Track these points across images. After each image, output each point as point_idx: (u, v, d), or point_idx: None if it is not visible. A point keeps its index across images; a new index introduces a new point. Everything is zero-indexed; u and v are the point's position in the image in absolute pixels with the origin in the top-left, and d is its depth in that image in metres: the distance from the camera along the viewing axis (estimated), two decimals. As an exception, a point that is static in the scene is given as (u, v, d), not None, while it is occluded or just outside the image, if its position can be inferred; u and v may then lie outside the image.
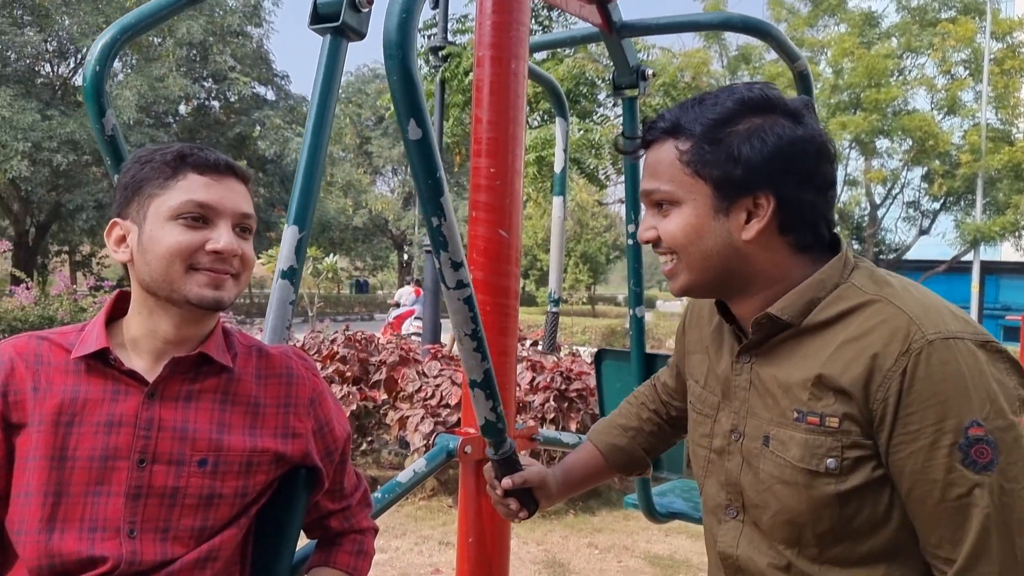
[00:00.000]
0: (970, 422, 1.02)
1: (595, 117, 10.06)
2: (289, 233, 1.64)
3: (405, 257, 43.43)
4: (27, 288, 13.56)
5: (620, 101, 2.56)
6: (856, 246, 18.98)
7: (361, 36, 1.69)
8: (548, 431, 2.60)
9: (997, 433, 1.02)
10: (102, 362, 1.28)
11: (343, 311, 31.54)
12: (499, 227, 1.97)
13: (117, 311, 1.36)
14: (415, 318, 15.74)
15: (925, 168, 17.74)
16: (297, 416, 1.39)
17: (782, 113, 1.14)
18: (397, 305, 17.13)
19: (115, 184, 1.37)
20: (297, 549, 1.48)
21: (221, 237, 1.26)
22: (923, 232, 18.95)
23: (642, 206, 1.30)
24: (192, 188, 1.26)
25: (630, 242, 2.51)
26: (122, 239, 1.31)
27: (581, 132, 9.21)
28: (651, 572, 4.78)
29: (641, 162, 1.25)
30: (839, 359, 1.10)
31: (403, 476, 1.92)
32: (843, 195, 18.67)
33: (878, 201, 18.84)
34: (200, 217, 1.26)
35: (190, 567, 1.26)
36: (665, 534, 5.47)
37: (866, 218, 19.01)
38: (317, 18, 1.66)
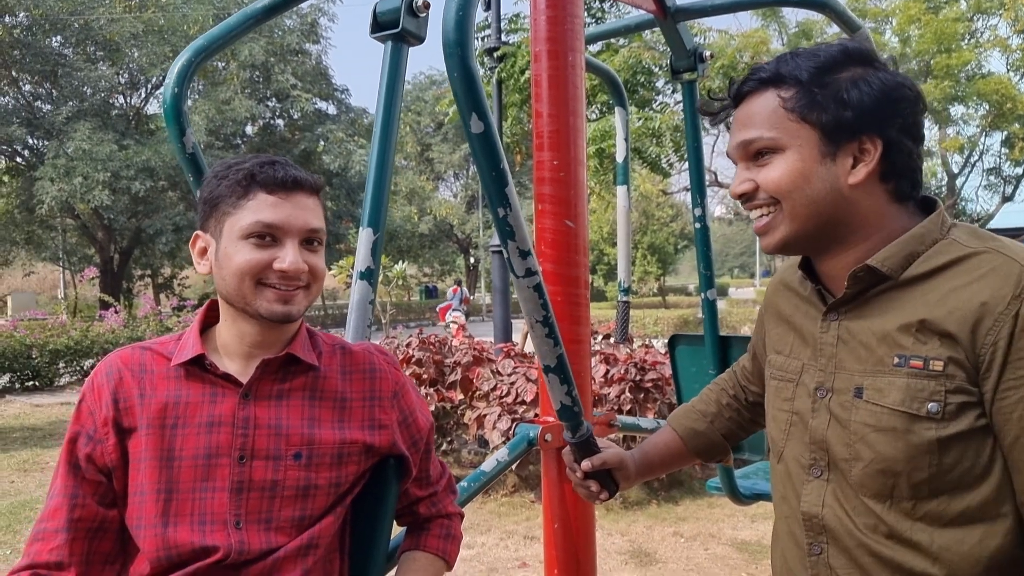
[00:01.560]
0: None
1: (654, 105, 9.99)
2: (364, 236, 1.70)
3: (471, 260, 43.78)
4: (116, 312, 14.19)
5: (679, 87, 2.56)
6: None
7: (420, 40, 1.74)
8: (626, 417, 2.61)
9: None
10: (199, 367, 1.37)
11: (414, 317, 31.96)
12: (565, 218, 2.00)
13: (209, 319, 1.45)
14: (452, 310, 20.35)
15: (1005, 132, 16.99)
16: (382, 408, 1.46)
17: (879, 66, 1.17)
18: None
19: (197, 198, 1.45)
20: (391, 536, 1.54)
21: (287, 256, 1.32)
22: (1007, 199, 18.15)
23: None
24: (260, 208, 1.32)
25: (698, 226, 2.51)
26: (204, 251, 1.39)
27: (641, 121, 9.15)
28: (739, 558, 4.74)
29: (737, 112, 1.24)
30: (944, 305, 1.09)
31: (486, 465, 1.97)
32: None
33: (955, 170, 18.14)
34: (268, 236, 1.32)
35: (294, 555, 1.33)
36: (751, 520, 5.41)
37: (943, 189, 18.32)
38: (377, 26, 1.72)
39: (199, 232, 1.40)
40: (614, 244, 30.46)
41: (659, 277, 37.55)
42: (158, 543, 1.28)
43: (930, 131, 17.96)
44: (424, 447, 1.53)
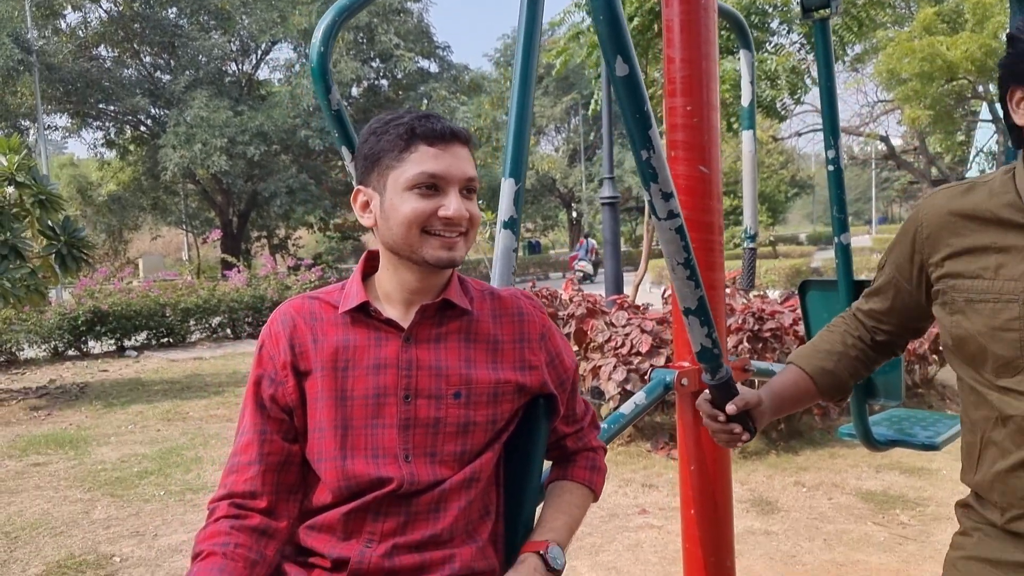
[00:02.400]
0: None
1: (768, 47, 9.63)
2: (507, 186, 1.76)
3: (574, 214, 43.62)
4: (238, 272, 14.93)
5: (803, 27, 2.49)
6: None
7: None
8: (759, 362, 2.61)
9: None
10: (364, 314, 1.47)
11: (519, 273, 31.70)
12: (699, 164, 2.01)
13: (369, 268, 1.54)
14: (579, 260, 22.87)
15: None
16: (531, 350, 1.53)
17: None
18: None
19: (355, 154, 1.53)
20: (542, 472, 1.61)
21: (451, 204, 1.39)
22: None
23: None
24: (424, 160, 1.39)
25: (831, 168, 2.45)
26: (366, 205, 1.47)
27: (756, 63, 8.86)
28: (865, 508, 4.67)
29: None
30: None
31: (625, 408, 2.02)
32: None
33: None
34: (432, 186, 1.39)
35: (458, 487, 1.43)
36: (876, 470, 5.31)
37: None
38: None
39: (360, 187, 1.48)
40: (726, 192, 29.75)
41: (769, 227, 36.52)
42: (338, 474, 1.40)
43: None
44: (571, 387, 1.60)
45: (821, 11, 2.40)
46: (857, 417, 2.59)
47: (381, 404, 1.43)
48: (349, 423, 1.42)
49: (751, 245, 2.95)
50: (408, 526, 1.40)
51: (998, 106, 1.44)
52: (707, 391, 1.63)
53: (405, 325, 1.46)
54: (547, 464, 1.64)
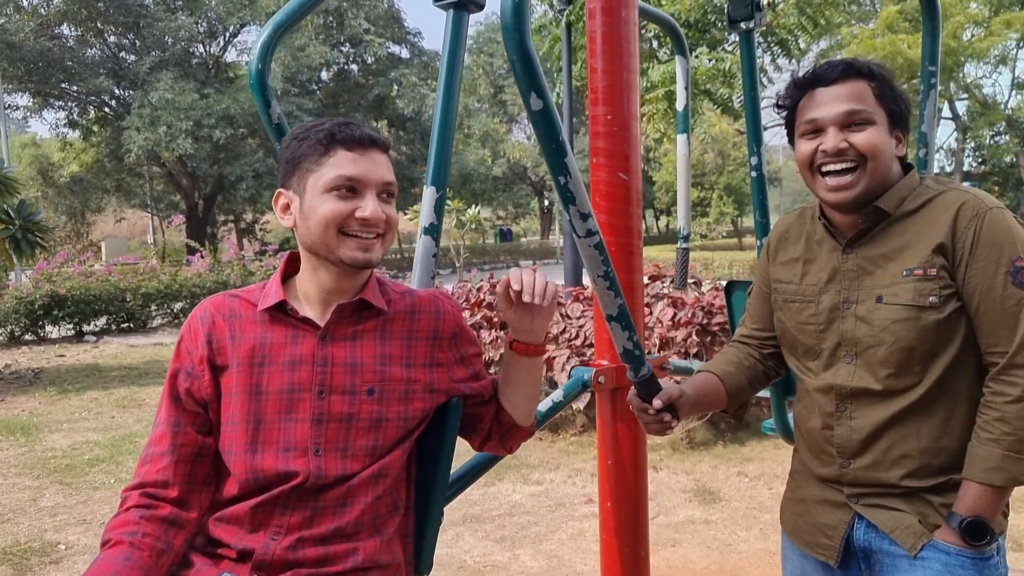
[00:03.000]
0: (1015, 257, 1.53)
1: (727, 45, 9.73)
2: (428, 194, 1.82)
3: (546, 203, 43.69)
4: (202, 257, 14.81)
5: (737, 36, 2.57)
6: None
7: (480, 7, 1.82)
8: (678, 360, 2.71)
9: None
10: (282, 312, 1.53)
11: (489, 260, 32.18)
12: (619, 171, 2.08)
13: (290, 269, 1.61)
14: None
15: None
16: (441, 348, 1.61)
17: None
18: None
19: (279, 158, 1.59)
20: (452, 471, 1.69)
21: (368, 206, 1.46)
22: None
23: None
24: (342, 164, 1.46)
25: (754, 174, 2.54)
26: (287, 207, 1.54)
27: (712, 62, 8.96)
28: (802, 499, 4.82)
29: (825, 91, 1.63)
30: (932, 229, 1.58)
31: (542, 406, 2.10)
32: (1011, 100, 17.19)
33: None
34: (350, 188, 1.46)
35: (366, 482, 1.50)
36: (817, 462, 5.45)
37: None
38: None
39: (281, 190, 1.55)
40: (694, 184, 29.96)
41: (735, 219, 36.88)
42: (246, 467, 1.46)
43: (1027, 62, 17.05)
44: (482, 374, 1.69)
45: (747, 23, 2.49)
46: (777, 412, 2.70)
47: (295, 400, 1.49)
48: (262, 417, 1.48)
49: (684, 245, 3.04)
50: (315, 519, 1.46)
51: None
52: (633, 387, 1.74)
53: (322, 323, 1.52)
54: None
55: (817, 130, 1.64)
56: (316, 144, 1.48)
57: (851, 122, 1.60)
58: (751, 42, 2.51)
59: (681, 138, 2.96)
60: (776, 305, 1.82)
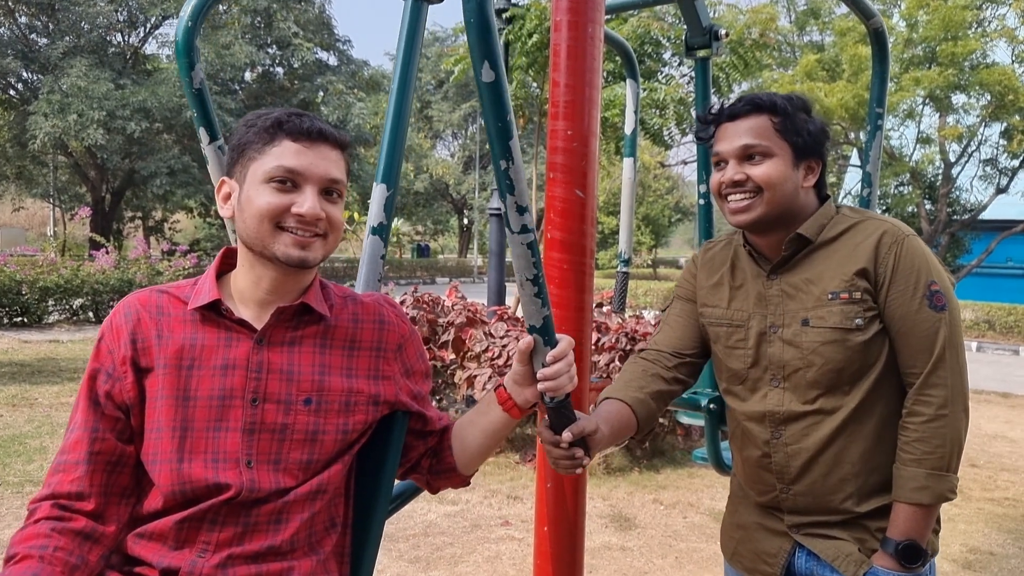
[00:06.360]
0: (930, 281, 1.63)
1: (660, 77, 9.92)
2: (378, 191, 1.73)
3: (465, 221, 43.68)
4: (106, 253, 14.15)
5: (688, 61, 2.58)
6: (928, 206, 18.38)
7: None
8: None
9: (943, 288, 1.64)
10: (215, 312, 1.41)
11: (405, 275, 31.86)
12: (576, 187, 2.03)
13: (225, 266, 1.49)
14: None
15: (1004, 124, 17.01)
16: (386, 360, 1.51)
17: (814, 113, 1.75)
18: None
19: (228, 144, 1.48)
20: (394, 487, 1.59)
21: (306, 202, 1.36)
22: (1001, 191, 18.19)
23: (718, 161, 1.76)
24: (284, 154, 1.36)
25: (702, 203, 2.55)
26: (228, 196, 1.43)
27: (645, 92, 9.09)
28: (715, 527, 4.86)
29: (729, 125, 1.72)
30: (854, 255, 1.67)
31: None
32: (916, 153, 18.07)
33: (953, 159, 18.17)
34: (289, 181, 1.36)
35: (303, 498, 1.39)
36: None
37: (940, 177, 18.35)
38: None
39: (225, 178, 1.44)
40: (609, 213, 30.46)
41: (651, 249, 37.64)
42: (173, 478, 1.33)
43: (930, 118, 18.00)
44: (424, 398, 1.58)
45: (704, 51, 2.50)
46: (710, 443, 2.69)
47: (226, 407, 1.37)
48: (190, 425, 1.36)
49: (624, 269, 3.02)
50: (246, 536, 1.35)
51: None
52: (546, 418, 1.58)
53: (259, 326, 1.41)
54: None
55: (721, 161, 1.74)
56: (262, 131, 1.38)
57: (749, 154, 1.69)
58: (707, 70, 2.52)
59: (628, 162, 2.95)
60: (705, 330, 1.88)
